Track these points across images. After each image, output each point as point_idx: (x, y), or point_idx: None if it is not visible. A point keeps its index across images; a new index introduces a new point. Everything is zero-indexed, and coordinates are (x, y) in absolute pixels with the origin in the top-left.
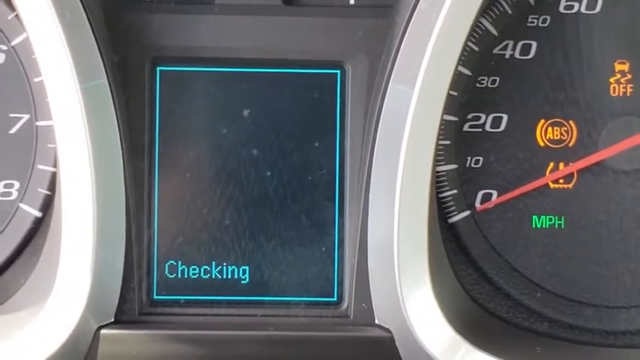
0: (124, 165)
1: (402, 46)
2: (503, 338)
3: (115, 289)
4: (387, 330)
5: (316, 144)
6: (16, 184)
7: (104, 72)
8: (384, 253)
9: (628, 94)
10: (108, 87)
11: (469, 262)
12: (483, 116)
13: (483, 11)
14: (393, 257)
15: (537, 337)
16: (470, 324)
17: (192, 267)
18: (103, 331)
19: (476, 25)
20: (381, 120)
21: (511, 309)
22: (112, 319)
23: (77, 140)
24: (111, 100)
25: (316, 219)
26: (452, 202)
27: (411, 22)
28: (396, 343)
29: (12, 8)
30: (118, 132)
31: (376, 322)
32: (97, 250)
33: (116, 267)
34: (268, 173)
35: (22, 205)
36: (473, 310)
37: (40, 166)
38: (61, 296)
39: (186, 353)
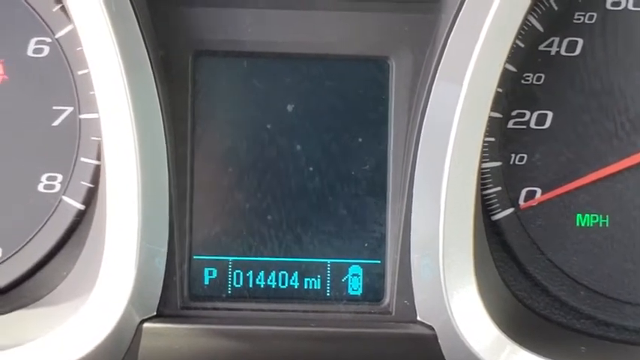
0: (167, 158)
1: (448, 43)
2: (547, 337)
3: (158, 283)
4: (430, 327)
5: (359, 139)
6: (59, 177)
7: (149, 65)
8: (427, 250)
9: None
10: (153, 80)
11: (512, 260)
12: (528, 113)
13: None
14: (438, 254)
15: (580, 335)
16: (513, 322)
17: None
18: (146, 325)
19: None
20: (426, 116)
21: (554, 308)
22: (154, 313)
23: (123, 133)
24: (156, 93)
25: (359, 215)
26: (495, 199)
27: (459, 18)
28: (439, 341)
29: (57, 0)
30: (162, 125)
31: (418, 319)
32: (141, 243)
33: (159, 260)
34: (311, 168)
35: (65, 198)
36: (516, 308)
37: (83, 159)
38: (104, 289)
39: (228, 347)
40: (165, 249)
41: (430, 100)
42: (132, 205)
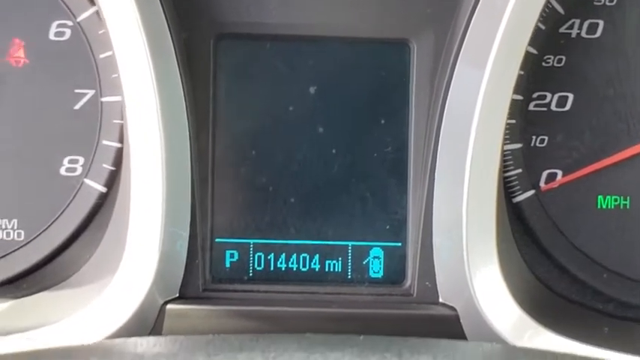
0: (190, 140)
1: (470, 25)
2: (569, 318)
3: (180, 265)
4: (452, 308)
5: (381, 122)
6: (81, 160)
7: (173, 47)
8: (450, 232)
9: None
10: (176, 63)
11: (533, 242)
12: (549, 95)
13: None
14: (461, 236)
15: (602, 316)
16: (535, 303)
17: None
18: (169, 306)
19: None
20: (448, 98)
21: (575, 289)
22: (177, 295)
23: (148, 115)
24: (178, 75)
25: (380, 198)
26: (516, 182)
27: (481, 0)
28: (461, 321)
29: None
30: (185, 108)
31: (440, 300)
32: (165, 225)
33: (181, 243)
34: (332, 151)
35: (87, 181)
36: (538, 289)
37: (105, 142)
38: (128, 271)
39: (249, 329)
40: (187, 232)
41: (452, 82)
42: (156, 188)
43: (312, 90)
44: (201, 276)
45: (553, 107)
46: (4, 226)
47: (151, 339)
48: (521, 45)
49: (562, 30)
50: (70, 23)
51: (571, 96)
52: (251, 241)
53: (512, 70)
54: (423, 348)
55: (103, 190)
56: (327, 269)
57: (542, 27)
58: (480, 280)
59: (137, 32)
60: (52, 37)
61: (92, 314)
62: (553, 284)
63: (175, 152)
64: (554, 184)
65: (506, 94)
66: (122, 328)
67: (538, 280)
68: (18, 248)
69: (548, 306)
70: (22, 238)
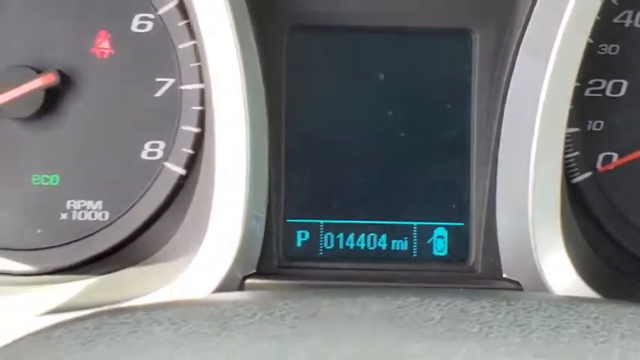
0: (268, 123)
1: (532, 16)
2: (631, 295)
3: (258, 243)
4: (516, 283)
5: (445, 107)
6: (162, 144)
7: (253, 38)
8: (515, 210)
9: None
10: (256, 52)
11: (592, 221)
12: (604, 82)
13: None
14: (526, 214)
15: None
16: (598, 279)
17: None
18: (248, 281)
19: None
20: (510, 85)
21: (635, 266)
22: (254, 270)
23: (234, 102)
24: (258, 64)
25: (444, 179)
26: (574, 164)
27: None
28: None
29: None
30: (264, 94)
31: (504, 275)
32: (247, 206)
33: (259, 222)
34: (402, 134)
35: (167, 164)
36: (599, 266)
37: (184, 127)
38: (212, 249)
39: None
40: (264, 212)
41: (514, 70)
42: (240, 172)
43: (380, 77)
44: (275, 254)
45: (608, 93)
46: (89, 207)
47: (266, 292)
48: (584, 35)
49: (616, 20)
50: (151, 16)
51: (625, 82)
52: (321, 221)
53: (576, 59)
54: (522, 297)
55: (183, 172)
56: (393, 248)
57: (598, 17)
58: (545, 255)
59: (227, 22)
60: (134, 29)
61: (178, 288)
62: (613, 262)
63: (256, 138)
64: (610, 166)
65: (570, 83)
66: None
67: (599, 258)
68: (102, 228)
69: (611, 282)
70: (107, 218)
